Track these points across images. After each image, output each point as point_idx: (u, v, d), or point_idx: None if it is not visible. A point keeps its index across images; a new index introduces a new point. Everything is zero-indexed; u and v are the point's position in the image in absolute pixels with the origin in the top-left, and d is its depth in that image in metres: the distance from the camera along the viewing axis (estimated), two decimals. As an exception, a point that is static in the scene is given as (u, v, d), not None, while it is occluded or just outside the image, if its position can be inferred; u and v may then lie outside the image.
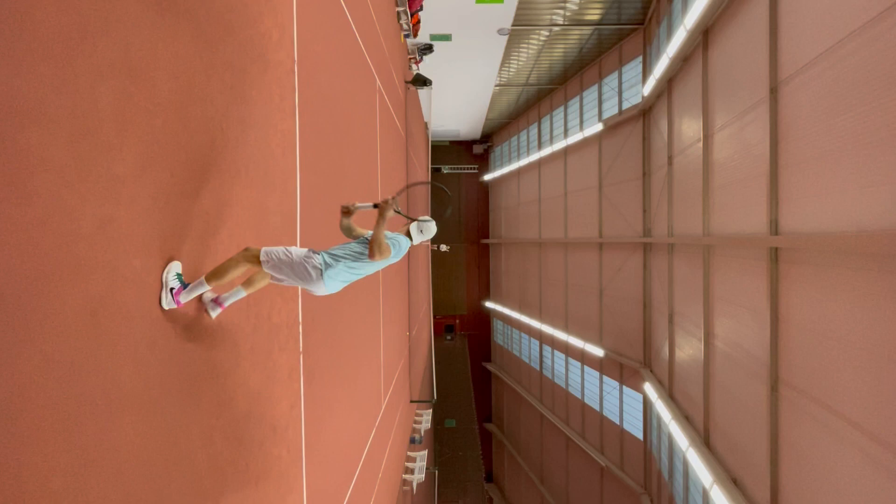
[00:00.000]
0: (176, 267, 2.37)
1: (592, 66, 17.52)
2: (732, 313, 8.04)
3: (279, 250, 2.71)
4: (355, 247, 2.90)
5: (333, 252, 2.85)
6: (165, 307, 2.31)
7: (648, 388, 12.87)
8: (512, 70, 18.83)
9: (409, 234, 3.22)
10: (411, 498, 13.27)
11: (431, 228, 3.28)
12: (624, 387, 15.60)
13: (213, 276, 2.55)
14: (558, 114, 20.35)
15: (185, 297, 2.43)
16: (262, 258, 2.65)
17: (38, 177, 1.61)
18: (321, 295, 2.90)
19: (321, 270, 2.73)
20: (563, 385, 19.90)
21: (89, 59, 1.83)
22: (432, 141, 27.62)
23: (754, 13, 7.09)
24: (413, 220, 3.21)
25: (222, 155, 2.87)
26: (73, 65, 1.76)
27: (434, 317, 26.15)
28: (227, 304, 2.77)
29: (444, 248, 25.49)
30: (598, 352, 16.57)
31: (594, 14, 14.20)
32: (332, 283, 2.81)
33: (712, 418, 8.98)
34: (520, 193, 24.54)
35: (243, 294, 2.83)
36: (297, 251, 2.76)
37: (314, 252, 2.79)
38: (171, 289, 2.32)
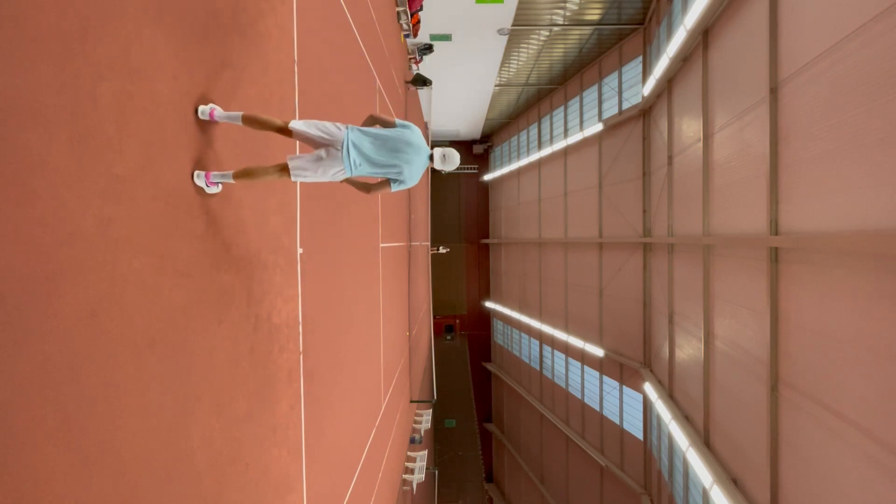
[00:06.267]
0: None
1: (592, 66, 17.51)
2: (732, 313, 8.04)
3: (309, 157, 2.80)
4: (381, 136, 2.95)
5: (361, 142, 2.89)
6: (202, 185, 2.61)
7: (648, 388, 12.87)
8: (512, 70, 18.82)
9: (431, 157, 3.13)
10: (411, 498, 13.27)
11: (455, 159, 3.20)
12: (624, 387, 15.60)
13: (244, 175, 2.72)
14: (558, 114, 20.34)
15: (216, 179, 2.67)
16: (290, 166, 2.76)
17: (38, 177, 1.61)
18: (342, 173, 2.85)
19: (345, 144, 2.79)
20: (563, 385, 19.90)
21: (89, 59, 1.83)
22: (432, 141, 27.61)
23: (754, 13, 7.08)
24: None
25: (221, 155, 2.87)
26: (73, 65, 1.76)
27: (434, 317, 26.15)
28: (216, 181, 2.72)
29: (443, 249, 25.47)
30: (598, 352, 16.57)
31: (594, 14, 14.20)
32: (355, 153, 2.83)
33: (712, 418, 8.97)
34: (520, 193, 24.52)
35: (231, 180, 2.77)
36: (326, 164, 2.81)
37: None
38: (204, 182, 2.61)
